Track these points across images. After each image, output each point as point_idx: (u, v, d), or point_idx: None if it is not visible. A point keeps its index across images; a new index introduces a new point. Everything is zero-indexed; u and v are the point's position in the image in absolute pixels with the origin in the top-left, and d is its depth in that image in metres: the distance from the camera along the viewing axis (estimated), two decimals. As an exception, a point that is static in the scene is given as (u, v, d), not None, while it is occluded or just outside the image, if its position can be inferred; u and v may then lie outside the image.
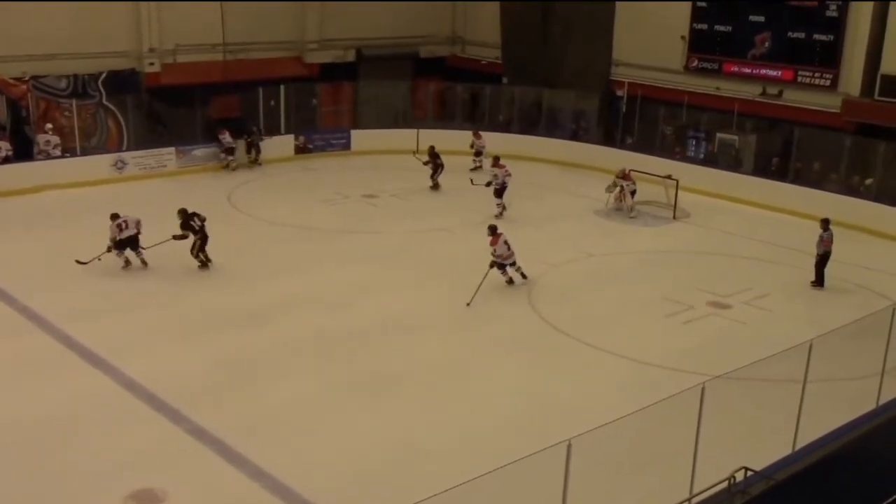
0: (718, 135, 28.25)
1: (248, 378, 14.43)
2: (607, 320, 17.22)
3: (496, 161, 24.25)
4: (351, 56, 33.36)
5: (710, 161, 27.82)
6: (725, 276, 19.64)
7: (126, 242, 18.97)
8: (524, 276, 18.69)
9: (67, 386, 13.98)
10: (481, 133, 28.91)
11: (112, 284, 18.02)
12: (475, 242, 21.57)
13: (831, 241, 19.08)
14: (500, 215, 23.33)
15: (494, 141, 29.63)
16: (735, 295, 18.61)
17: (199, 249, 19.07)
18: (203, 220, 19.18)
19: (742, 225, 23.46)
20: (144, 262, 19.19)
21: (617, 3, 30.36)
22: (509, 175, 23.69)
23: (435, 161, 25.97)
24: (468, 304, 17.50)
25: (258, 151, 27.98)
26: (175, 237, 18.82)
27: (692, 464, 10.58)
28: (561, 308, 17.69)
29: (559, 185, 27.16)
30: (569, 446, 8.78)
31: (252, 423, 13.04)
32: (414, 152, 26.65)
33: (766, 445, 11.68)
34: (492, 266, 18.07)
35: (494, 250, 18.22)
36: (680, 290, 18.67)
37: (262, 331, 16.20)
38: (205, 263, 19.17)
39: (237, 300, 17.54)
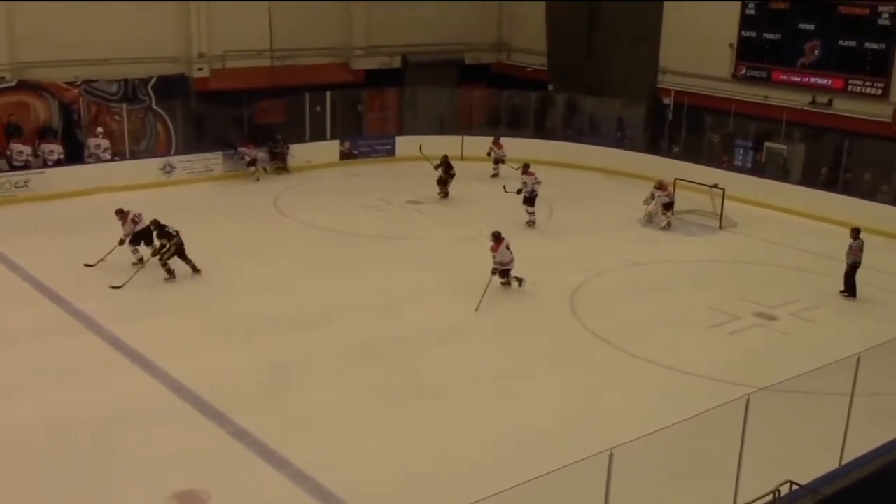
0: (766, 144, 27.97)
1: (290, 382, 14.53)
2: (651, 330, 17.09)
3: (525, 168, 23.79)
4: (397, 62, 33.51)
5: (757, 170, 27.53)
6: (772, 287, 19.41)
7: (140, 236, 19.24)
8: (520, 283, 18.71)
9: (114, 386, 14.18)
10: (502, 142, 28.63)
11: (160, 287, 18.24)
12: (520, 249, 21.58)
13: (861, 251, 18.87)
14: (531, 224, 23.28)
15: (539, 148, 29.73)
16: (782, 306, 18.38)
17: (171, 256, 18.53)
18: (176, 231, 18.78)
19: (790, 235, 23.18)
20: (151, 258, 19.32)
21: (664, 10, 30.18)
22: (539, 183, 23.34)
23: (448, 170, 25.75)
24: (476, 310, 17.48)
25: (283, 159, 27.79)
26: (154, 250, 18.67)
27: (736, 476, 10.46)
28: (604, 317, 17.59)
29: (603, 193, 27.04)
30: (610, 456, 8.73)
31: (295, 426, 13.13)
32: (420, 147, 26.38)
33: (813, 459, 11.49)
34: (494, 273, 18.13)
35: (495, 256, 18.27)
36: (725, 301, 18.48)
37: (306, 335, 16.30)
38: (172, 274, 18.59)
39: (281, 304, 17.66)
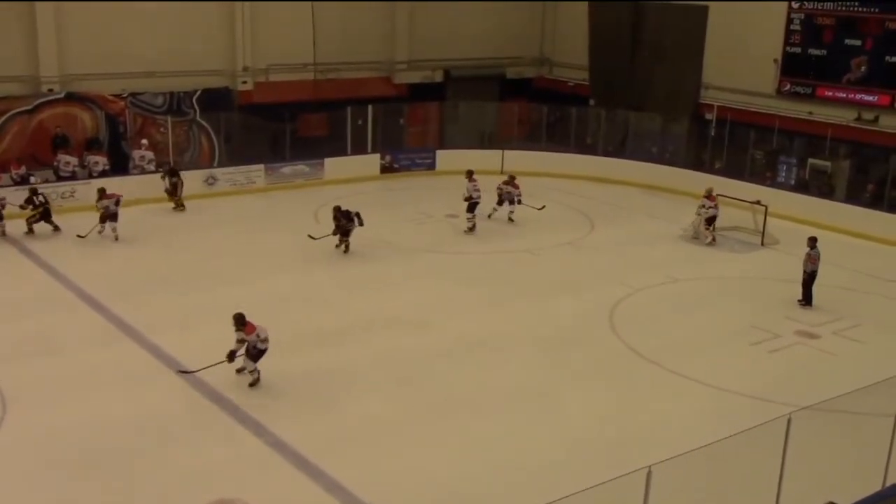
0: (810, 160, 27.68)
1: (328, 394, 14.58)
2: (691, 347, 16.94)
3: (470, 175, 23.98)
4: (439, 76, 33.67)
5: (801, 187, 27.25)
6: (814, 306, 19.16)
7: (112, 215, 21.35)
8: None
9: (153, 394, 14.34)
10: (518, 182, 24.87)
11: (201, 297, 18.41)
12: (559, 264, 21.57)
13: (818, 260, 19.03)
14: (471, 229, 23.61)
15: (580, 163, 29.85)
16: (824, 325, 18.14)
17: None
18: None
19: (833, 253, 22.79)
20: (117, 237, 21.52)
21: (708, 26, 30.04)
22: (478, 191, 23.67)
23: (338, 223, 21.75)
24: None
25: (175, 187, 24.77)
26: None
27: (776, 497, 10.34)
28: (643, 333, 17.46)
29: (644, 209, 26.89)
30: (648, 473, 8.68)
31: (331, 438, 13.17)
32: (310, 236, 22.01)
33: (854, 481, 11.34)
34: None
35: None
36: (767, 318, 18.28)
37: (344, 346, 16.37)
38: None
39: (320, 317, 17.76)
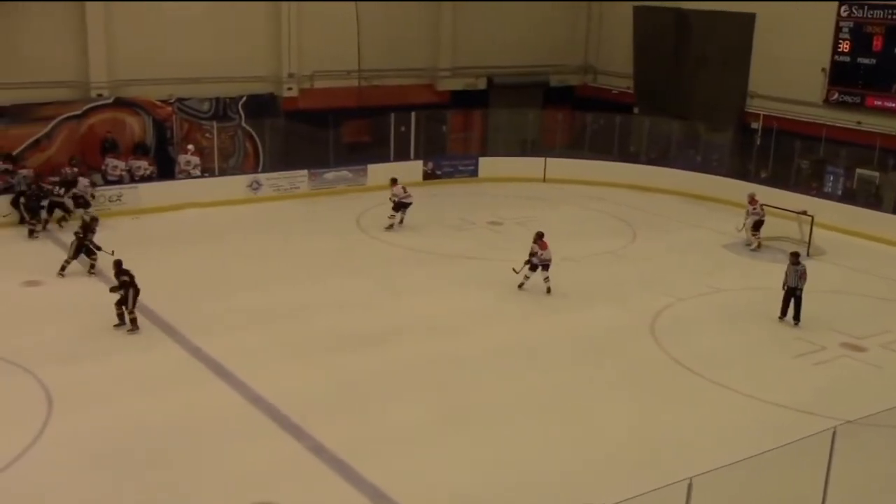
0: (858, 170, 27.30)
1: (366, 399, 14.64)
2: (733, 357, 16.77)
3: (394, 182, 24.51)
4: (482, 84, 33.70)
5: (848, 197, 26.88)
6: (861, 318, 18.88)
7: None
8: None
9: (195, 397, 14.49)
10: (546, 241, 20.06)
11: (241, 301, 18.57)
12: (601, 273, 21.47)
13: (800, 276, 18.37)
14: (390, 227, 24.04)
15: (623, 171, 29.73)
16: (871, 337, 17.87)
17: (129, 304, 16.85)
18: (132, 275, 17.03)
19: (881, 265, 22.54)
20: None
21: (754, 34, 29.75)
22: (408, 196, 24.30)
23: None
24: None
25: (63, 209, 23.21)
26: (112, 289, 17.07)
27: (819, 511, 10.22)
28: (686, 343, 17.32)
29: (688, 218, 26.69)
30: (689, 485, 8.61)
31: (369, 442, 13.20)
32: None
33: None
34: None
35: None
36: (812, 330, 18.04)
37: (384, 352, 16.42)
38: (134, 323, 16.90)
39: (360, 321, 17.83)
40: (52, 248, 21.47)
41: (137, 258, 20.89)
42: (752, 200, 23.82)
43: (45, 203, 22.75)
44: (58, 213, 22.94)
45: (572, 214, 26.72)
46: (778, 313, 18.58)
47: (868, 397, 14.63)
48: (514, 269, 19.75)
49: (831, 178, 27.94)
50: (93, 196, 23.63)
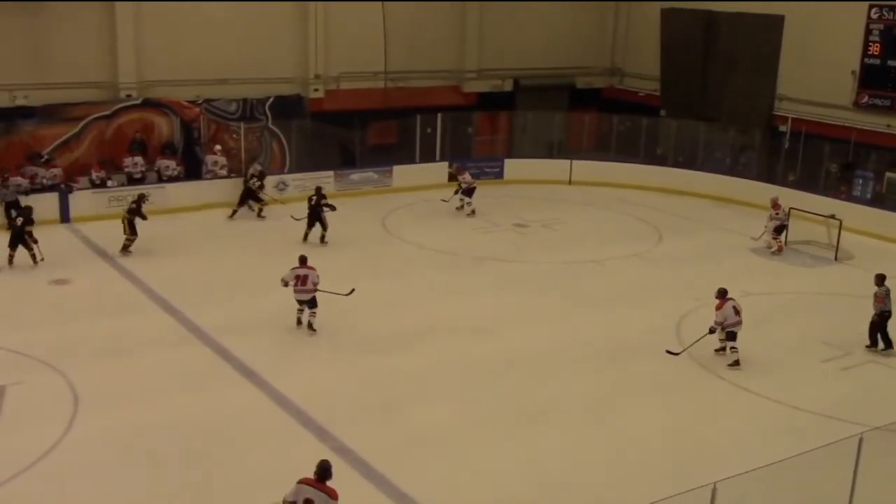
0: (888, 174, 27.05)
1: (391, 400, 14.66)
2: (760, 362, 16.64)
3: (461, 169, 26.47)
4: (508, 85, 33.68)
5: (877, 202, 26.63)
6: (890, 323, 18.64)
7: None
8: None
9: (220, 396, 14.58)
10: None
11: (269, 301, 18.60)
12: (626, 276, 21.40)
13: (885, 299, 17.30)
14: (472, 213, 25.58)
15: (650, 174, 29.70)
16: (899, 343, 17.69)
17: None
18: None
19: (910, 269, 22.30)
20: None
21: (783, 36, 29.54)
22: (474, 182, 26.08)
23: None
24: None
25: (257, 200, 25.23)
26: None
27: (846, 518, 10.13)
28: (711, 347, 17.20)
29: (715, 221, 26.54)
30: (713, 490, 8.56)
31: (394, 444, 13.23)
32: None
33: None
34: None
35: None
36: (839, 335, 17.88)
37: (409, 354, 16.44)
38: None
39: (386, 323, 17.87)
40: (79, 247, 21.69)
41: (162, 257, 21.20)
42: (775, 205, 23.66)
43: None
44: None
45: (598, 217, 26.64)
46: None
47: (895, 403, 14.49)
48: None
49: (860, 181, 27.71)
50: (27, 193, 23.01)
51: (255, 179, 25.30)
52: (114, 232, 21.98)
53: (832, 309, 19.76)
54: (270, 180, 26.49)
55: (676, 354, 16.49)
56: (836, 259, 23.18)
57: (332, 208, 22.80)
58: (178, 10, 26.68)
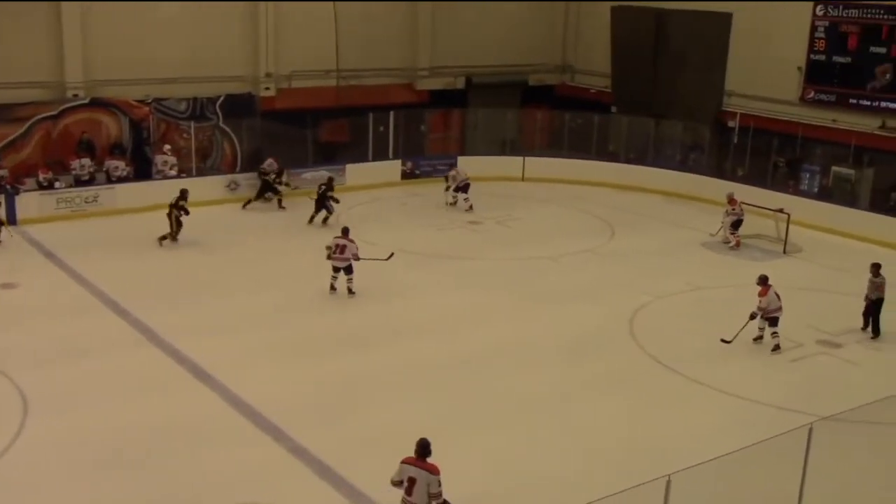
0: (834, 168, 27.51)
1: (349, 401, 14.61)
2: (711, 355, 16.85)
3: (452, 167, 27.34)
4: (461, 83, 33.71)
5: (824, 195, 27.08)
6: (837, 315, 19.00)
7: None
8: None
9: (175, 400, 14.40)
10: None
11: (223, 303, 18.52)
12: (580, 272, 21.53)
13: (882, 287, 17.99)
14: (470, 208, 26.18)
15: (601, 170, 29.90)
16: (847, 334, 18.01)
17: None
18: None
19: (857, 262, 22.59)
20: None
21: (731, 33, 29.91)
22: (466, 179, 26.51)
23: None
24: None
25: (275, 192, 26.47)
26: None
27: (797, 507, 10.29)
28: (664, 341, 17.40)
29: (666, 216, 26.82)
30: (668, 482, 8.64)
31: (351, 445, 13.17)
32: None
33: (877, 492, 11.25)
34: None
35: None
36: (788, 327, 18.10)
37: (365, 354, 16.39)
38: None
39: (342, 324, 17.82)
40: (27, 249, 21.35)
41: (112, 258, 20.92)
42: (732, 200, 23.99)
43: None
44: None
45: (551, 213, 26.80)
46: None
47: (845, 394, 14.73)
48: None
49: (807, 175, 28.14)
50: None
51: (273, 175, 26.27)
52: (62, 234, 21.70)
53: (782, 301, 20.03)
54: (222, 180, 26.27)
55: (729, 342, 16.92)
56: (784, 252, 23.54)
57: (336, 201, 24.63)
58: (126, 9, 26.29)
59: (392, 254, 20.00)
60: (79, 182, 24.78)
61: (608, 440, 13.62)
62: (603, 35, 33.35)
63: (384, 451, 12.97)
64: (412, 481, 10.07)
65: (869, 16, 27.09)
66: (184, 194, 22.29)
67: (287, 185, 26.54)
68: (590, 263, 22.30)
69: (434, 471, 10.10)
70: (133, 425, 13.44)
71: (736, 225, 23.79)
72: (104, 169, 25.45)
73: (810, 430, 9.96)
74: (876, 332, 18.08)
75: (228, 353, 16.08)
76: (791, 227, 23.62)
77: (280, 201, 26.24)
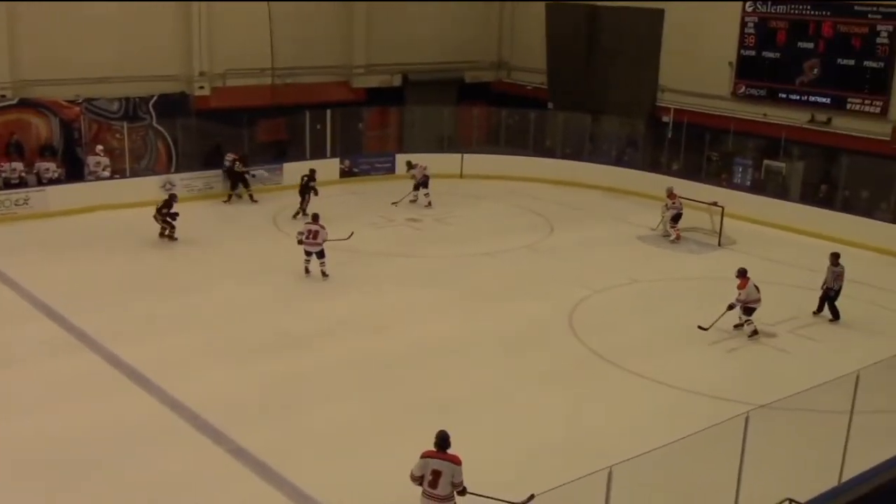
0: (765, 162, 28.06)
1: (290, 400, 14.50)
2: (650, 347, 17.08)
3: (411, 165, 27.15)
4: (397, 81, 33.66)
5: (756, 188, 27.60)
6: (771, 305, 19.28)
7: None
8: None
9: (112, 404, 14.15)
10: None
11: (159, 305, 18.24)
12: (519, 267, 21.65)
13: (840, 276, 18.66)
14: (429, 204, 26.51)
15: (539, 166, 30.15)
16: (780, 324, 18.38)
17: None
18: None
19: (788, 253, 23.19)
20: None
21: (663, 29, 30.30)
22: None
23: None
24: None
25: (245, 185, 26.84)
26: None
27: (735, 495, 10.46)
28: (603, 334, 17.58)
29: (603, 211, 27.09)
30: (609, 473, 8.73)
31: (293, 445, 13.09)
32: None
33: (812, 477, 11.49)
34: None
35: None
36: (725, 318, 18.45)
37: (306, 353, 16.28)
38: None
39: (280, 322, 17.66)
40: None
41: (45, 262, 20.49)
42: (671, 195, 24.33)
43: None
44: None
45: (490, 210, 26.91)
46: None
47: (779, 382, 15.02)
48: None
49: (740, 169, 28.66)
50: None
51: (238, 164, 26.51)
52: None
53: (718, 292, 20.32)
54: (156, 181, 25.90)
55: (706, 329, 17.41)
56: (719, 245, 23.93)
57: (316, 193, 24.97)
58: (55, 7, 25.71)
59: (352, 233, 21.14)
60: (8, 185, 24.19)
61: (548, 434, 13.69)
62: (538, 32, 33.54)
63: (327, 451, 12.98)
64: (437, 474, 10.11)
65: (796, 12, 27.66)
66: (168, 202, 22.48)
67: (253, 175, 26.95)
68: (529, 259, 22.44)
69: (457, 461, 10.20)
70: (71, 432, 13.15)
71: (676, 219, 24.15)
72: (34, 171, 24.89)
73: (747, 419, 10.12)
74: (836, 316, 18.63)
75: (167, 356, 15.86)
76: (725, 219, 24.03)
77: (252, 195, 26.63)
